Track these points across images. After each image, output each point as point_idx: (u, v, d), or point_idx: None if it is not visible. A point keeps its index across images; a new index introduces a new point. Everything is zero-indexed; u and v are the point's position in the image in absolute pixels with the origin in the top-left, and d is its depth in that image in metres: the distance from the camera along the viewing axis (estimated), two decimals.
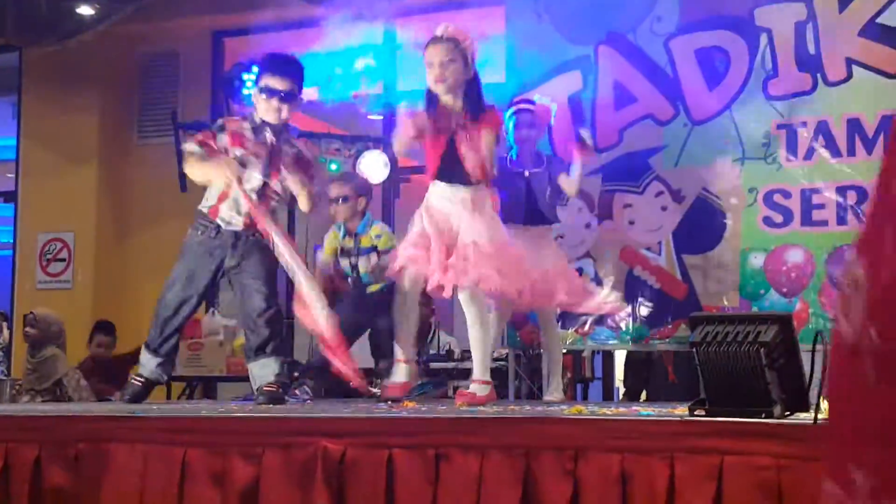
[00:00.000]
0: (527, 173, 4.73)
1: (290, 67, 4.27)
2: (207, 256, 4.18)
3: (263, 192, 4.17)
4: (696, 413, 2.60)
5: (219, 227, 4.17)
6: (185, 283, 4.20)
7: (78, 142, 8.04)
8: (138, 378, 4.24)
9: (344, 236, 5.33)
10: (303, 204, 4.26)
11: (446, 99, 3.88)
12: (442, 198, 3.89)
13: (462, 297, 3.84)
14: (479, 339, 3.86)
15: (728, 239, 5.37)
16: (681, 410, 2.83)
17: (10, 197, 8.72)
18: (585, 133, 4.79)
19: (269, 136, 4.19)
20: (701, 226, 5.43)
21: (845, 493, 0.88)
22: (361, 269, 5.24)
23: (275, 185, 4.19)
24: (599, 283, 5.56)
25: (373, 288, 5.24)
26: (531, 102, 4.89)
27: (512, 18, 5.95)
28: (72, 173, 8.10)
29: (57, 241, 8.16)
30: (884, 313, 0.86)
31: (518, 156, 4.83)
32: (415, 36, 5.87)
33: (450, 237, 3.81)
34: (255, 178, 4.15)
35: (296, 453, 2.81)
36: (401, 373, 3.97)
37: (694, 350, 2.61)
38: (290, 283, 4.28)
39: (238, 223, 4.16)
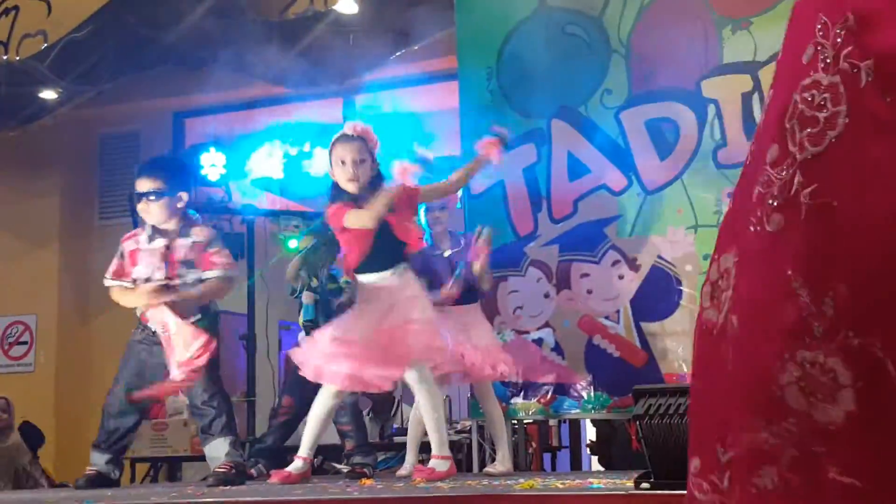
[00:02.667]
0: (447, 253, 4.74)
1: (156, 167, 4.38)
2: (148, 356, 4.29)
3: (168, 287, 4.24)
4: (641, 486, 2.62)
5: (153, 330, 4.28)
6: (131, 383, 4.30)
7: (39, 224, 8.05)
8: (92, 468, 4.30)
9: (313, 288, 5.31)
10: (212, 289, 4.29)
11: (357, 195, 3.97)
12: (374, 288, 3.95)
13: (409, 377, 3.87)
14: (432, 416, 3.89)
15: (684, 306, 5.43)
16: (630, 483, 2.85)
17: None
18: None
19: (160, 241, 4.29)
20: (657, 293, 5.50)
21: (710, 468, 0.96)
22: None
23: (177, 280, 4.25)
24: (560, 352, 5.61)
25: None
26: None
27: (465, 94, 6.06)
28: (33, 256, 8.09)
29: (19, 323, 8.11)
30: (744, 303, 0.93)
31: (433, 238, 4.84)
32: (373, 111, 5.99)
33: (385, 322, 3.87)
34: (157, 278, 4.26)
35: None
36: (296, 466, 4.04)
37: (637, 423, 2.64)
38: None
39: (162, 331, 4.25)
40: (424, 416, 3.91)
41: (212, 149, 6.32)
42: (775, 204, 0.91)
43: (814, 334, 0.86)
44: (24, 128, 7.27)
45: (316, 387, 5.11)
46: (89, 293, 8.10)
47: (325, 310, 5.14)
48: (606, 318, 5.59)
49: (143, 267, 4.28)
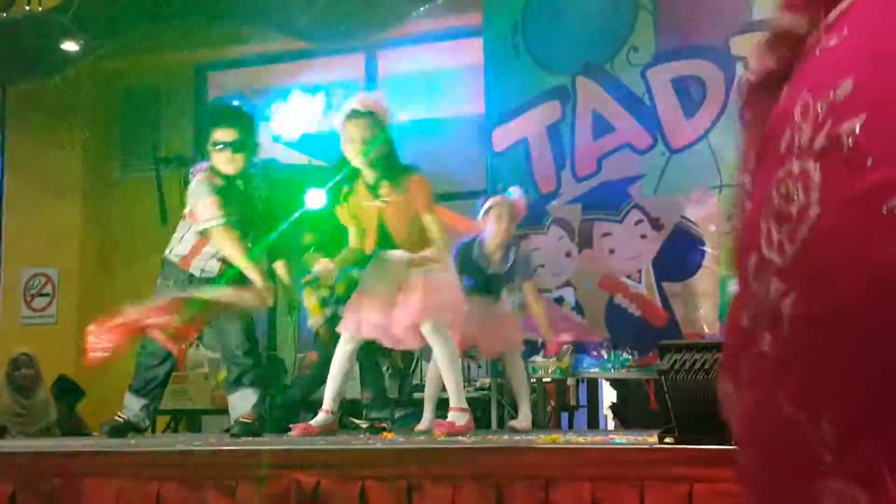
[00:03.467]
0: (490, 271, 4.64)
1: (236, 118, 4.29)
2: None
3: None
4: (665, 441, 2.61)
5: (191, 275, 4.24)
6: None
7: (61, 177, 8.06)
8: (120, 416, 4.29)
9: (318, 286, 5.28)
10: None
11: (366, 173, 3.90)
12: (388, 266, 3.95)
13: (425, 329, 3.85)
14: (449, 367, 3.88)
15: (707, 266, 5.40)
16: (653, 439, 2.84)
17: None
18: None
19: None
20: (680, 253, 5.47)
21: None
22: (338, 291, 5.13)
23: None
24: (580, 311, 5.60)
25: None
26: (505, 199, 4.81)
27: (490, 50, 6.01)
28: (55, 208, 8.11)
29: (41, 276, 8.15)
30: (755, 437, 0.87)
31: (482, 246, 4.67)
32: (395, 67, 5.93)
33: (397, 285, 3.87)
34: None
35: (269, 486, 2.81)
36: (318, 420, 4.04)
37: (662, 378, 2.62)
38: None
39: (213, 270, 4.23)
40: (441, 366, 3.91)
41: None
42: (762, 321, 0.81)
43: (826, 462, 0.78)
44: (46, 80, 7.26)
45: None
46: (112, 246, 8.13)
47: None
48: (628, 277, 5.57)
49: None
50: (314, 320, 5.29)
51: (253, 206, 4.24)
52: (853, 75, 0.77)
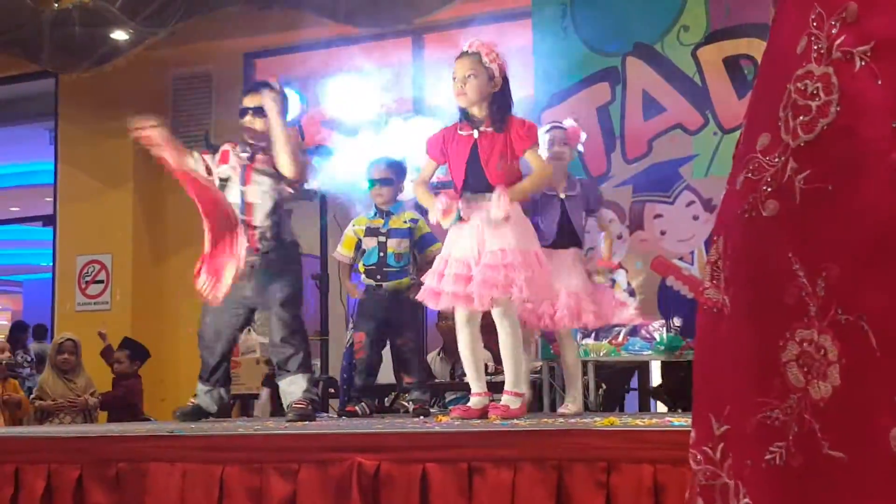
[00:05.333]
0: (562, 195, 4.61)
1: (260, 85, 4.50)
2: (230, 294, 4.25)
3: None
4: None
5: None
6: (214, 323, 4.42)
7: (114, 165, 8.17)
8: (192, 400, 4.50)
9: (374, 216, 5.22)
10: (283, 164, 4.30)
11: (473, 111, 3.92)
12: (469, 215, 3.89)
13: (495, 311, 3.84)
14: (511, 352, 3.87)
15: None
16: None
17: (49, 221, 8.87)
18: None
19: (242, 154, 4.40)
20: None
21: (704, 440, 1.03)
22: (390, 249, 5.13)
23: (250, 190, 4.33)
24: (632, 293, 5.57)
25: (396, 284, 5.17)
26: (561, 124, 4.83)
27: (539, 32, 5.97)
28: (108, 196, 8.23)
29: (95, 263, 8.29)
30: (734, 283, 0.99)
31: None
32: (442, 51, 5.92)
33: (476, 252, 3.81)
34: (233, 192, 4.35)
35: (331, 469, 2.84)
36: (474, 402, 3.96)
37: None
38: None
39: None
40: (503, 350, 3.89)
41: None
42: (769, 190, 0.96)
43: (809, 313, 0.91)
44: (98, 69, 7.35)
45: (381, 319, 5.15)
46: (164, 233, 8.24)
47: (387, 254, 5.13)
48: (680, 259, 5.53)
49: (224, 166, 4.45)
50: (341, 252, 5.31)
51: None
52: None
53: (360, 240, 5.24)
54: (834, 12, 0.94)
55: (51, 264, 8.71)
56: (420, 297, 3.96)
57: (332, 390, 6.33)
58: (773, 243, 0.93)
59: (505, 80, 3.94)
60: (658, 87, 5.65)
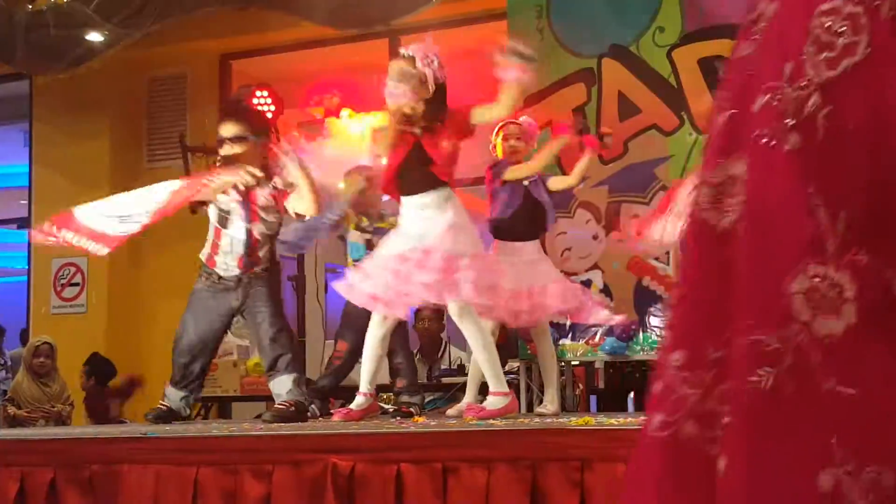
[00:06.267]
0: (526, 182, 4.61)
1: (234, 112, 4.52)
2: (213, 302, 4.38)
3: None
4: None
5: (219, 275, 4.37)
6: (196, 330, 4.42)
7: (89, 167, 8.11)
8: (163, 404, 4.44)
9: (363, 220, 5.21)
10: (304, 203, 4.32)
11: (405, 111, 3.89)
12: (411, 215, 3.88)
13: (452, 310, 3.82)
14: (482, 353, 3.85)
15: None
16: None
17: (24, 223, 8.80)
18: (607, 132, 4.74)
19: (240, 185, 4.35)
20: None
21: (696, 363, 0.99)
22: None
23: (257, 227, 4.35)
24: (609, 294, 5.59)
25: None
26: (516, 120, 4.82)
27: (515, 33, 5.98)
28: (84, 198, 8.08)
29: (71, 265, 8.22)
30: (759, 214, 0.96)
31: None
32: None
33: (426, 251, 3.77)
34: (236, 226, 4.36)
35: (306, 470, 2.84)
36: (358, 402, 4.03)
37: None
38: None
39: (233, 267, 4.34)
40: (474, 352, 3.89)
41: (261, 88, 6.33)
42: (792, 123, 0.93)
43: (826, 250, 0.89)
44: (73, 70, 7.30)
45: (365, 330, 5.14)
46: (140, 235, 8.17)
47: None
48: (656, 259, 5.56)
49: (226, 198, 4.41)
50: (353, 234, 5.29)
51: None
52: None
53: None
54: None
55: (26, 267, 8.64)
56: (342, 289, 3.99)
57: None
58: (795, 177, 0.92)
59: (440, 87, 3.89)
60: (633, 88, 5.68)
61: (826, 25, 0.93)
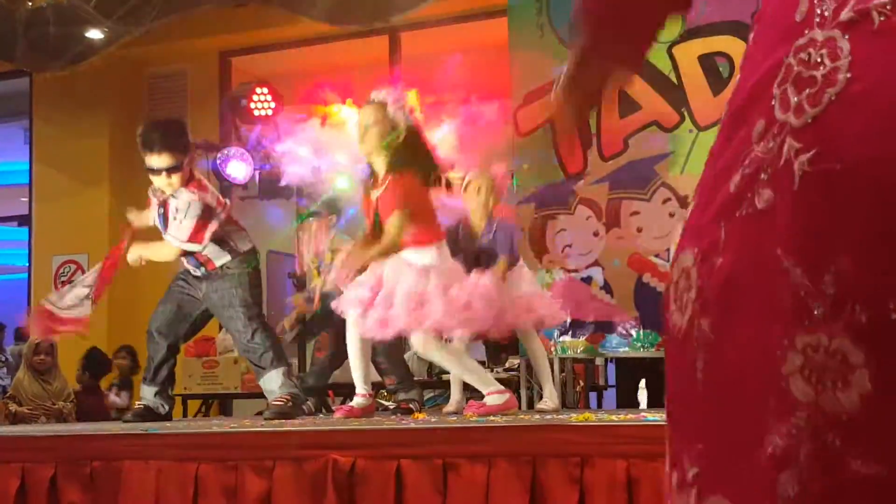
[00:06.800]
0: (485, 240, 4.55)
1: (165, 139, 4.29)
2: (185, 296, 4.46)
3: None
4: None
5: (187, 270, 4.46)
6: (167, 321, 4.47)
7: (89, 164, 8.12)
8: (140, 404, 4.46)
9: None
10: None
11: (371, 160, 3.88)
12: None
13: (414, 342, 3.80)
14: (460, 369, 3.91)
15: None
16: None
17: (25, 221, 8.80)
18: None
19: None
20: None
21: (680, 483, 0.89)
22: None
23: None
24: (609, 290, 5.59)
25: None
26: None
27: (515, 29, 5.99)
28: (84, 195, 8.18)
29: (71, 262, 8.23)
30: (717, 306, 0.85)
31: (465, 224, 4.63)
32: (419, 49, 5.91)
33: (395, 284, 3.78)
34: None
35: (306, 466, 2.84)
36: (359, 402, 4.04)
37: None
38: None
39: (196, 267, 4.41)
40: (454, 374, 3.92)
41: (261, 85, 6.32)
42: (765, 178, 0.82)
43: (813, 316, 0.78)
44: (73, 67, 7.30)
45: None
46: (141, 232, 8.17)
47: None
48: (656, 256, 5.56)
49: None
50: (312, 287, 5.27)
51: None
52: None
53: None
54: None
55: (27, 264, 8.64)
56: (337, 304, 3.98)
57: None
58: (763, 240, 0.81)
59: (412, 132, 3.85)
60: (634, 85, 5.66)
61: (804, 60, 0.83)
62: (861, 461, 0.76)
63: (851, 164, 0.78)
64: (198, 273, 4.40)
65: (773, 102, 0.84)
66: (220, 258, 4.36)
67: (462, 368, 3.90)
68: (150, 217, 4.46)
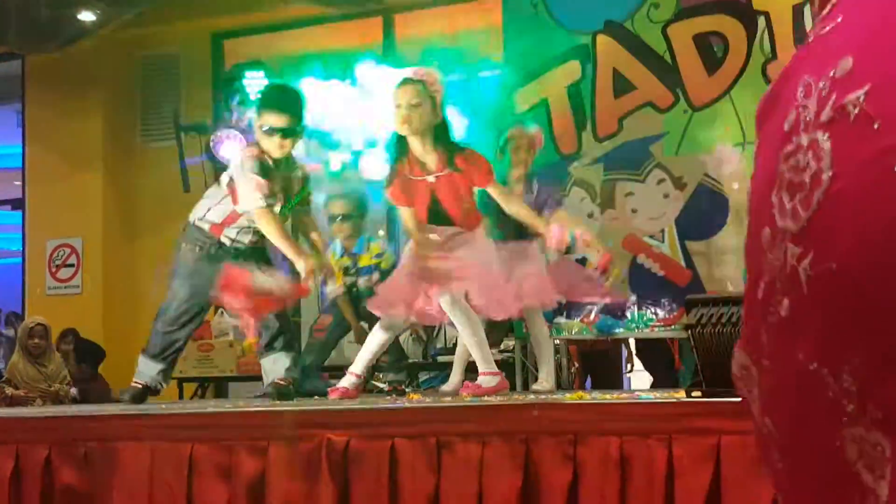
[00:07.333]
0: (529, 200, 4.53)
1: (288, 101, 4.20)
2: (209, 270, 4.12)
3: None
4: (693, 395, 2.62)
5: (220, 243, 4.21)
6: (189, 298, 4.23)
7: (82, 147, 8.09)
8: (137, 382, 4.28)
9: (341, 255, 5.15)
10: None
11: (413, 142, 3.84)
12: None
13: (443, 302, 3.83)
14: (471, 338, 3.88)
15: (730, 224, 5.38)
16: (680, 394, 2.85)
17: (18, 204, 8.78)
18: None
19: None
20: (703, 212, 5.45)
21: None
22: (361, 287, 5.10)
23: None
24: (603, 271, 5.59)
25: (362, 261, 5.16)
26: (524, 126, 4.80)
27: (509, 10, 5.97)
28: (77, 178, 8.16)
29: (65, 246, 8.22)
30: (774, 408, 0.89)
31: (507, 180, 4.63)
32: (413, 31, 5.89)
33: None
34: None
35: (301, 446, 2.84)
36: (351, 382, 4.04)
37: (689, 332, 2.63)
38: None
39: (244, 241, 4.21)
40: (464, 339, 3.91)
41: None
42: (780, 286, 0.84)
43: (848, 413, 0.80)
44: (66, 49, 7.28)
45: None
46: (135, 214, 8.17)
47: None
48: (651, 237, 5.56)
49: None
50: (333, 289, 5.26)
51: (293, 190, 4.24)
52: (853, 53, 0.83)
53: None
54: (824, 73, 0.83)
55: (20, 248, 8.63)
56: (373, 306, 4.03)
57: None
58: (794, 346, 0.83)
59: (443, 109, 3.88)
60: (628, 64, 5.66)
61: (793, 166, 0.85)
62: None
63: (842, 263, 0.79)
64: (242, 246, 4.20)
65: (773, 211, 0.86)
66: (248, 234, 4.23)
67: (476, 338, 3.88)
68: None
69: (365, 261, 5.13)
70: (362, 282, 5.11)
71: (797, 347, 0.82)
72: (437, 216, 3.90)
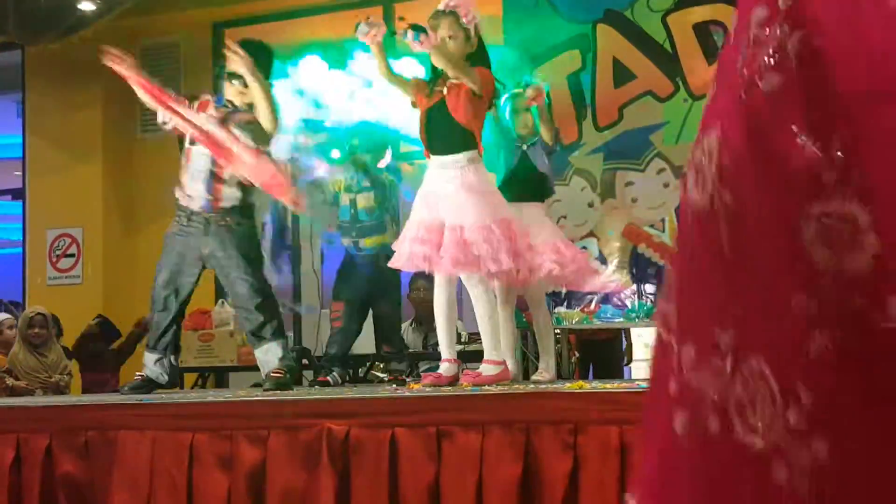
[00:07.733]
0: (524, 147, 4.63)
1: (250, 51, 4.34)
2: (185, 247, 4.28)
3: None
4: None
5: (190, 213, 4.29)
6: (169, 277, 4.32)
7: (82, 137, 8.08)
8: (140, 374, 4.34)
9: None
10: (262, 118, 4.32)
11: (448, 73, 3.87)
12: (437, 178, 3.90)
13: (465, 278, 3.84)
14: (485, 320, 3.85)
15: None
16: None
17: (19, 194, 8.77)
18: None
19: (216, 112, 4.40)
20: None
21: (703, 353, 0.91)
22: (360, 205, 5.16)
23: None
24: (604, 262, 5.59)
25: (367, 243, 5.19)
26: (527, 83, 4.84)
27: (509, 0, 5.95)
28: (78, 168, 8.15)
29: (66, 236, 8.21)
30: (738, 178, 0.90)
31: (515, 132, 4.73)
32: (414, 19, 5.85)
33: (442, 220, 3.83)
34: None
35: (301, 435, 2.85)
36: (445, 368, 3.93)
37: None
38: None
39: (200, 194, 4.28)
40: (478, 318, 3.88)
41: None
42: (771, 62, 0.86)
43: (825, 185, 0.82)
44: (65, 40, 7.25)
45: (362, 287, 5.17)
46: (135, 204, 8.17)
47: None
48: (652, 226, 5.55)
49: (203, 115, 4.43)
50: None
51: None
52: None
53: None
54: None
55: (21, 238, 8.62)
56: (393, 262, 3.97)
57: (306, 361, 6.33)
58: (776, 120, 0.85)
59: (479, 39, 3.93)
60: (628, 54, 5.65)
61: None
62: (881, 318, 0.78)
63: (835, 39, 0.82)
64: (201, 201, 4.28)
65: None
66: (236, 197, 4.30)
67: (488, 320, 3.86)
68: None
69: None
70: (361, 199, 5.15)
71: (788, 119, 0.84)
72: (440, 136, 3.91)
